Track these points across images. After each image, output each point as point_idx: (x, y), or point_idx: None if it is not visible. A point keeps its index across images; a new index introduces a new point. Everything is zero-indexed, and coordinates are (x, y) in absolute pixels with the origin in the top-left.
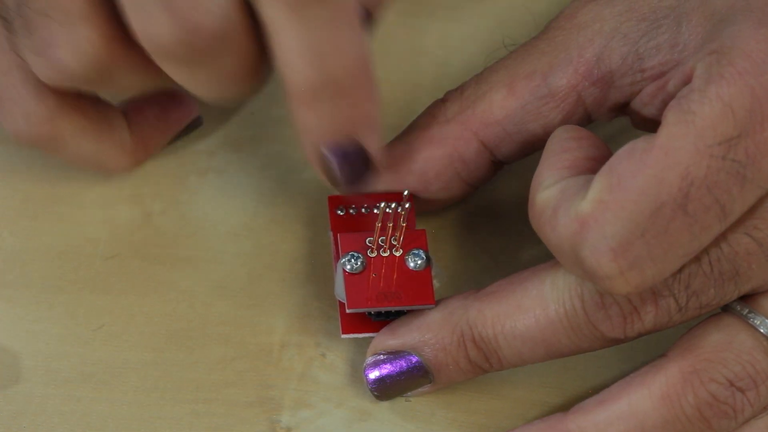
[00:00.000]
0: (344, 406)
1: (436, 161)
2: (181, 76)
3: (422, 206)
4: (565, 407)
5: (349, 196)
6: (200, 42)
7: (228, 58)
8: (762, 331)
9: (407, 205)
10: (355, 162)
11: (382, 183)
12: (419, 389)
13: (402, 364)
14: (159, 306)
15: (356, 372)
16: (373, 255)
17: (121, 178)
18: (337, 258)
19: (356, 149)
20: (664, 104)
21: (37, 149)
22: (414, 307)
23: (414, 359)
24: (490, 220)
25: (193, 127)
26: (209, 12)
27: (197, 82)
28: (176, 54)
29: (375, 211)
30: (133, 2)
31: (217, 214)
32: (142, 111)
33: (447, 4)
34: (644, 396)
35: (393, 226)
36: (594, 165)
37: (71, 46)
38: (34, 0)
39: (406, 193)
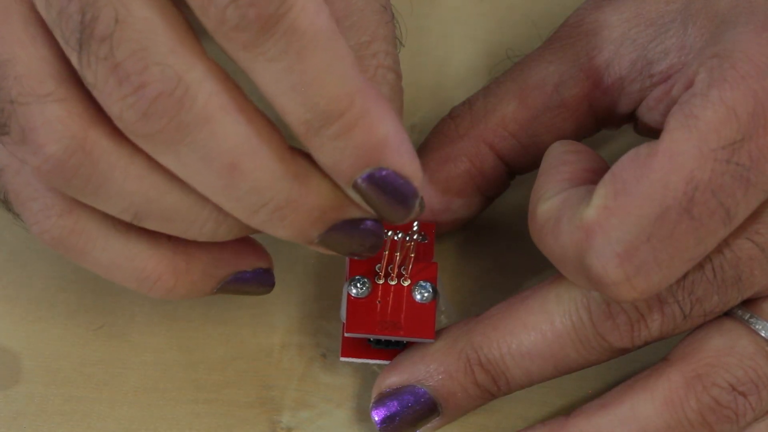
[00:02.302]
0: (345, 407)
1: (456, 179)
2: (173, 161)
3: (443, 227)
4: (565, 407)
5: None
6: (152, 106)
7: (203, 132)
8: (763, 335)
9: (416, 236)
10: (393, 188)
11: None
12: (429, 424)
13: (409, 398)
14: (159, 306)
15: (357, 372)
16: (381, 282)
17: None
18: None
19: (388, 176)
20: (668, 110)
21: (67, 254)
22: (413, 340)
23: (421, 391)
24: (491, 233)
25: (257, 282)
26: (154, 73)
27: (188, 172)
28: (137, 127)
29: (395, 238)
30: (88, 81)
31: None
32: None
33: (447, 4)
34: (647, 400)
35: (402, 255)
36: (593, 176)
37: (45, 127)
38: (8, 91)
39: (415, 225)
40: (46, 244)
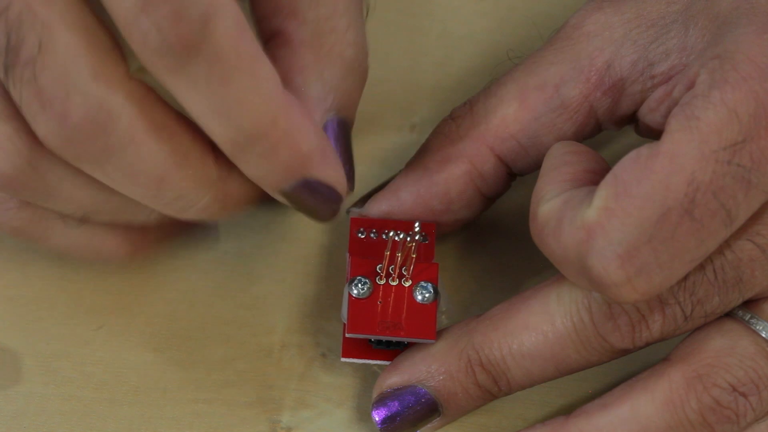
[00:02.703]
0: (345, 406)
1: (457, 180)
2: (101, 177)
3: (444, 228)
4: (565, 407)
5: (374, 219)
6: (75, 133)
7: (127, 153)
8: (764, 336)
9: (417, 237)
10: (318, 194)
11: (406, 209)
12: (429, 424)
13: (410, 398)
14: (159, 306)
15: (357, 372)
16: (382, 282)
17: None
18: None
19: (313, 184)
20: (669, 111)
21: (27, 241)
22: (414, 341)
23: (422, 391)
24: (491, 233)
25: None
26: (76, 102)
27: (117, 184)
28: (62, 150)
29: (396, 238)
30: (15, 101)
31: None
32: None
33: (447, 4)
34: (647, 401)
35: (404, 256)
36: (594, 177)
37: None
38: None
39: (417, 225)
40: (6, 233)
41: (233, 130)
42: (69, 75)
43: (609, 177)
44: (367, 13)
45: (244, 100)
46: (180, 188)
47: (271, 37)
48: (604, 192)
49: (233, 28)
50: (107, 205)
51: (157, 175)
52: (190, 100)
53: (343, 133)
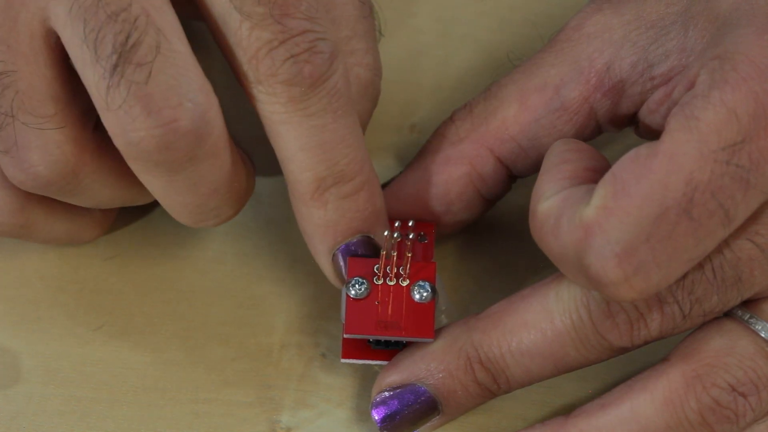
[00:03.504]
0: (344, 406)
1: (456, 181)
2: (156, 183)
3: (444, 229)
4: (564, 407)
5: None
6: (177, 141)
7: (205, 164)
8: (763, 336)
9: (411, 235)
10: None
11: (405, 210)
12: (429, 423)
13: (409, 397)
14: (159, 306)
15: (356, 372)
16: (379, 282)
17: None
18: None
19: (369, 248)
20: (669, 112)
21: (9, 237)
22: (412, 340)
23: (421, 390)
24: (491, 233)
25: None
26: (187, 110)
27: (173, 192)
28: (152, 155)
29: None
30: (108, 102)
31: None
32: None
33: (447, 4)
34: (647, 400)
35: (398, 255)
36: (594, 175)
37: (40, 150)
38: (8, 103)
39: (411, 223)
40: None
41: (327, 167)
42: (181, 82)
43: (608, 176)
44: (380, 39)
45: (346, 137)
46: (222, 200)
47: None
48: (602, 191)
49: (346, 69)
50: (121, 200)
51: (214, 187)
52: (298, 132)
53: None
